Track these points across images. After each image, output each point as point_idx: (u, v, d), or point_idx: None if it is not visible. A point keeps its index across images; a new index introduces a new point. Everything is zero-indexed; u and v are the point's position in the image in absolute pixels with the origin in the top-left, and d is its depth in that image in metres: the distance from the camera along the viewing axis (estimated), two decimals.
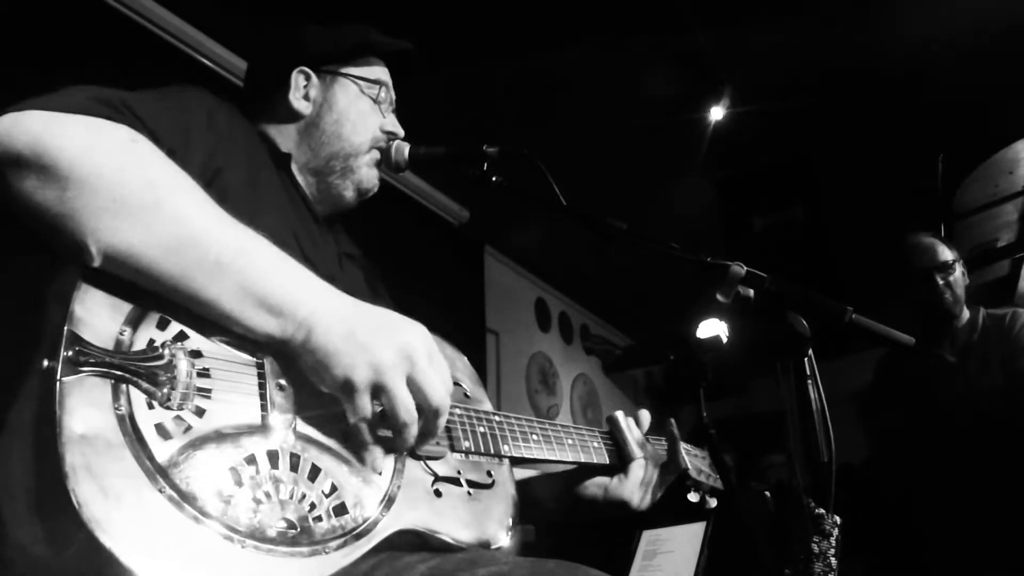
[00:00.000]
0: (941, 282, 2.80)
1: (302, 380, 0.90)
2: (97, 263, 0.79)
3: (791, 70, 3.63)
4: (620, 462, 1.38)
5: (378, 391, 0.87)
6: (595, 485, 1.38)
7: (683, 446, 1.53)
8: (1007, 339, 2.75)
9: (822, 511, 1.09)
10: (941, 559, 2.65)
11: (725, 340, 4.80)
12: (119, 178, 0.80)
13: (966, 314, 2.88)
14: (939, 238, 2.93)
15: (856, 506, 2.81)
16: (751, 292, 1.17)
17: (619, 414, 1.43)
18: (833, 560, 1.09)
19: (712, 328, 4.87)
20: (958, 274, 2.83)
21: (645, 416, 1.47)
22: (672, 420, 1.48)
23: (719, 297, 1.18)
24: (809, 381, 1.11)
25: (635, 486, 1.36)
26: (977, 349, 2.79)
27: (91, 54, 2.60)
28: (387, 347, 0.87)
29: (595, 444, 1.36)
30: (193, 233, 0.82)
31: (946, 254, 2.84)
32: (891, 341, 1.11)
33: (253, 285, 0.84)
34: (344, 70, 1.35)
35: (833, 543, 1.09)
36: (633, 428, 1.42)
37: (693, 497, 1.44)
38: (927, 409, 2.83)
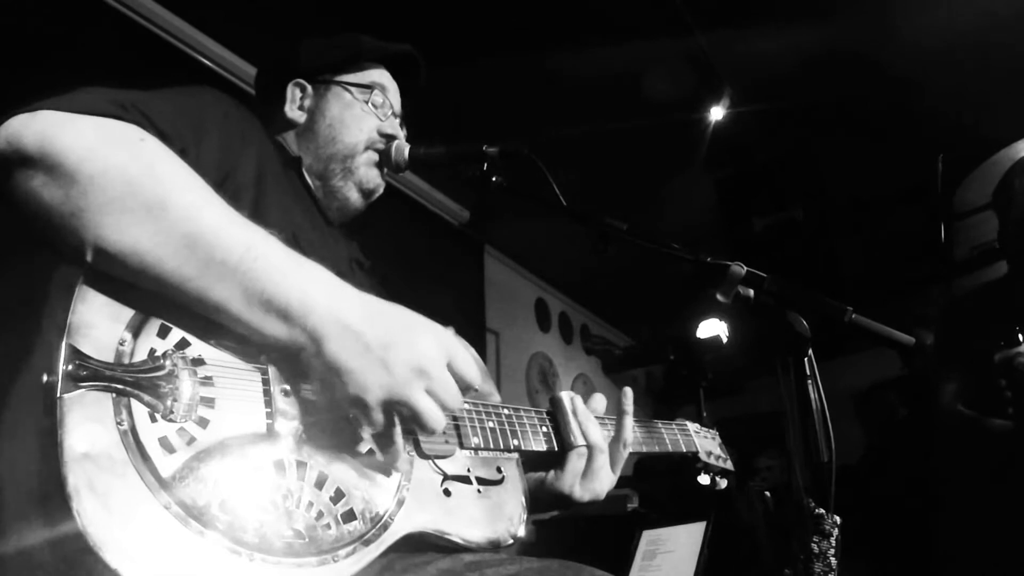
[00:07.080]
0: None
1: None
2: (92, 259, 0.77)
3: (791, 70, 3.63)
4: (560, 449, 1.22)
5: (394, 406, 0.85)
6: (533, 479, 1.23)
7: (693, 427, 1.51)
8: None
9: (822, 511, 1.09)
10: (942, 560, 2.65)
11: (725, 340, 4.80)
12: (125, 175, 0.78)
13: None
14: None
15: (856, 506, 2.82)
16: (751, 292, 1.17)
17: (564, 395, 1.27)
18: (833, 560, 1.08)
19: (712, 328, 4.87)
20: None
21: (600, 400, 1.33)
22: (626, 390, 1.34)
23: (719, 297, 1.18)
24: (809, 381, 1.12)
25: (574, 478, 1.21)
26: None
27: (93, 56, 2.60)
28: (403, 364, 0.84)
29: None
30: (200, 232, 0.79)
31: None
32: (891, 341, 1.12)
33: (261, 287, 0.81)
34: (337, 78, 1.39)
35: (833, 543, 1.09)
36: (581, 411, 1.26)
37: (703, 479, 1.41)
38: (924, 409, 2.85)
